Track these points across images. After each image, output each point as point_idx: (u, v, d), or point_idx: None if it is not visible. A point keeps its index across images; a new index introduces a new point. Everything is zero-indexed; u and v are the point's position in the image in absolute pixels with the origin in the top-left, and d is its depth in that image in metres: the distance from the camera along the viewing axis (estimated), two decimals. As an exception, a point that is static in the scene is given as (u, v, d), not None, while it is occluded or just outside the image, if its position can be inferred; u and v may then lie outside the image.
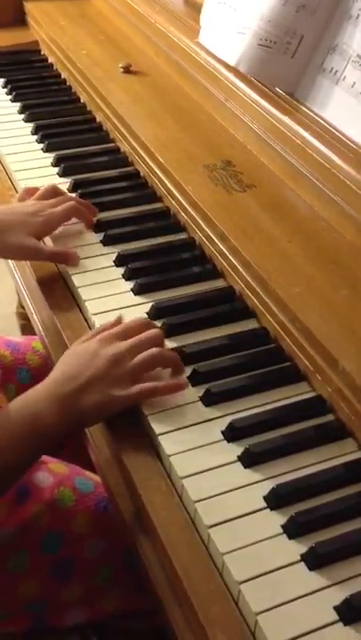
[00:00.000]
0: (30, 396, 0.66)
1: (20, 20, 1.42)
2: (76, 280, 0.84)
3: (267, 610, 0.53)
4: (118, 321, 0.73)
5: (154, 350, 0.68)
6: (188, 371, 0.71)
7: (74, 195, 0.95)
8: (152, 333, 0.70)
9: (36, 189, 0.91)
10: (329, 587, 0.54)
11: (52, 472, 0.76)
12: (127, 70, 1.16)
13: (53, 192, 0.90)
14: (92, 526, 0.74)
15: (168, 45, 1.15)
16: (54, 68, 1.31)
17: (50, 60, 1.32)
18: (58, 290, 0.85)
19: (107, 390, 0.65)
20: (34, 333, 0.99)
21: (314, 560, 0.55)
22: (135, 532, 0.63)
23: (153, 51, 1.19)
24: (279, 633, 0.52)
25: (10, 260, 0.97)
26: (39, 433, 0.64)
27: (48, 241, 0.90)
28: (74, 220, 0.90)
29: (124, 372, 0.66)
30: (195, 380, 0.71)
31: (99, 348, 0.67)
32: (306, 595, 0.54)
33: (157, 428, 0.66)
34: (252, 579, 0.55)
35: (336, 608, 0.53)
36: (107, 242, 0.90)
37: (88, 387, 0.65)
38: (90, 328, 0.79)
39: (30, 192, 0.92)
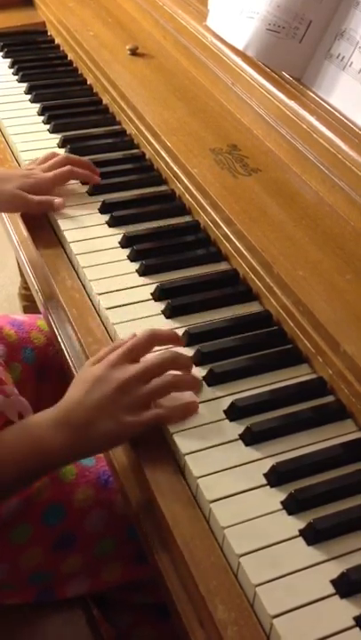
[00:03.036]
0: (38, 420, 0.64)
1: (27, 0, 1.41)
2: (82, 260, 0.85)
3: (265, 582, 0.54)
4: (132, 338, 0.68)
5: (168, 378, 0.65)
6: (191, 351, 0.72)
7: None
8: (164, 357, 0.65)
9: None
10: (326, 561, 0.56)
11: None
12: (134, 53, 1.16)
13: (52, 157, 0.95)
14: (94, 499, 0.75)
15: (176, 28, 1.15)
16: (61, 49, 1.30)
17: (56, 42, 1.32)
18: (63, 270, 0.86)
19: (116, 417, 0.62)
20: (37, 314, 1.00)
21: (312, 535, 0.57)
22: (137, 506, 0.65)
23: (161, 34, 1.19)
24: (277, 604, 0.53)
25: (15, 239, 0.98)
26: (43, 457, 0.62)
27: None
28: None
29: (134, 398, 0.63)
30: (198, 360, 0.72)
31: (107, 372, 0.64)
32: (304, 568, 0.55)
33: (161, 405, 0.67)
34: (252, 552, 0.56)
35: (333, 582, 0.54)
36: (112, 223, 0.90)
37: (97, 414, 0.62)
38: (94, 307, 0.80)
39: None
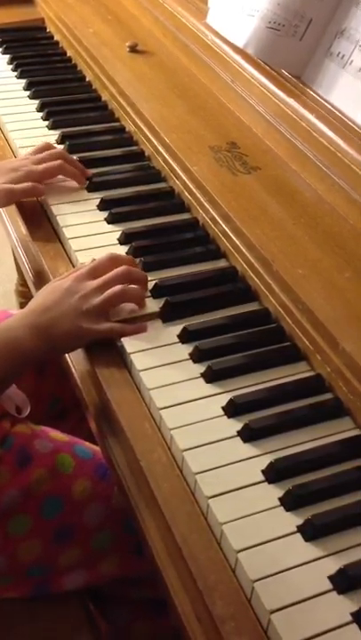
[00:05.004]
0: (9, 323, 0.72)
1: (26, -4, 1.42)
2: (80, 256, 0.85)
3: (263, 578, 0.54)
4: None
5: (117, 288, 0.75)
6: (189, 348, 0.73)
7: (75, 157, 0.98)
8: (119, 271, 0.76)
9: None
10: (324, 557, 0.56)
11: (52, 440, 0.78)
12: (134, 50, 1.16)
13: (46, 149, 0.95)
14: (92, 492, 0.76)
15: (176, 26, 1.15)
16: (60, 45, 1.30)
17: (56, 38, 1.32)
18: (62, 267, 0.86)
19: (76, 322, 0.72)
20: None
21: (310, 531, 0.57)
22: (135, 502, 0.65)
23: (160, 31, 1.19)
24: (275, 600, 0.53)
25: (13, 236, 0.98)
26: (18, 354, 0.71)
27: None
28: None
29: (92, 306, 0.73)
30: (197, 357, 0.72)
31: (71, 285, 0.74)
32: (302, 564, 0.55)
33: (160, 402, 0.67)
34: (250, 548, 0.56)
35: (331, 577, 0.55)
36: (111, 220, 0.90)
37: (60, 318, 0.72)
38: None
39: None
